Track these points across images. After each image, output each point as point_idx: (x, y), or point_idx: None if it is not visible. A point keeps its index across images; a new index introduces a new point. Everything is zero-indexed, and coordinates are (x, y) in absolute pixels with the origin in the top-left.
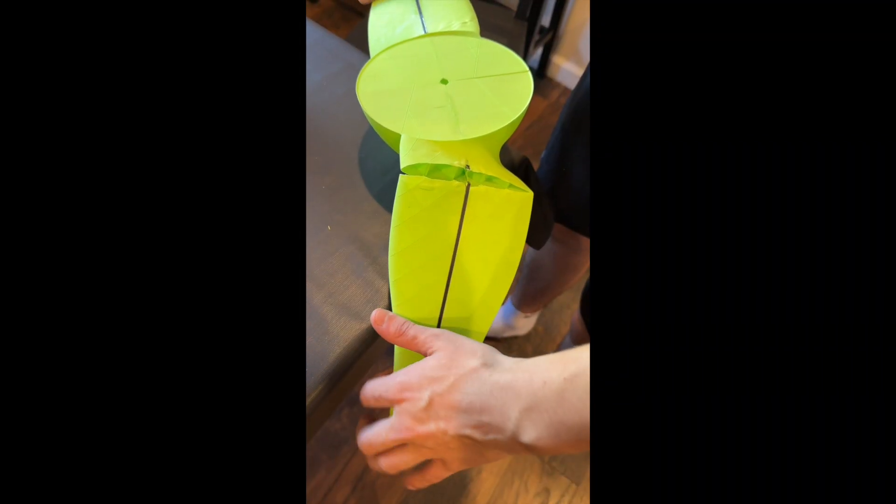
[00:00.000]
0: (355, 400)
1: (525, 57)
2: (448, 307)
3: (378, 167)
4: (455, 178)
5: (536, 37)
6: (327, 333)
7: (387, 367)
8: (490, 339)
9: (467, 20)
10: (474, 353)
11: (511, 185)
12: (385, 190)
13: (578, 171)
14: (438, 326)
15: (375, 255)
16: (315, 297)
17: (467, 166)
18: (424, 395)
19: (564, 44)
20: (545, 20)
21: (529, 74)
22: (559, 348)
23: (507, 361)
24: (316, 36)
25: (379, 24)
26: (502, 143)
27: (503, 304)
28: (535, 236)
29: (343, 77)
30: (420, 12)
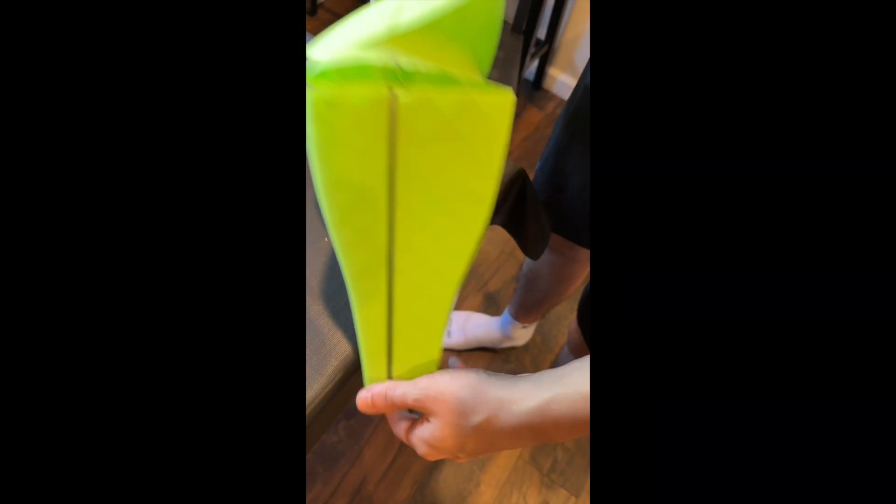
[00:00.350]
0: (352, 412)
1: (521, 69)
2: (399, 258)
3: None
4: (393, 77)
5: (532, 49)
6: (324, 346)
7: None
8: (488, 350)
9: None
10: (472, 410)
11: (478, 85)
12: None
13: (574, 181)
14: (390, 305)
15: None
16: (312, 310)
17: (397, 64)
18: (444, 453)
19: (560, 56)
20: (541, 33)
21: None
22: (557, 359)
23: (497, 402)
24: None
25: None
26: (483, 45)
27: (501, 314)
28: (533, 247)
29: None
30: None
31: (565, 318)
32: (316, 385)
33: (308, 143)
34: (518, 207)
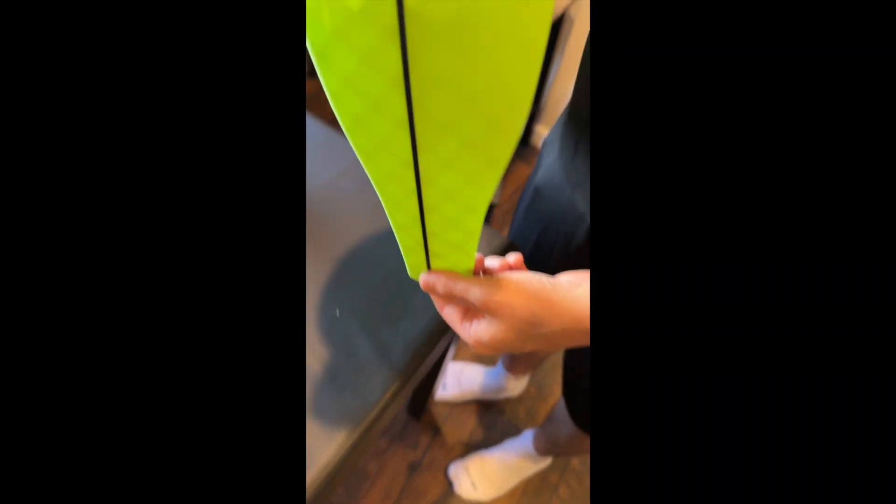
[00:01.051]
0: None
1: None
2: (424, 166)
3: (384, 262)
4: None
5: None
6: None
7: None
8: (483, 403)
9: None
10: (543, 323)
11: None
12: (392, 286)
13: (548, 238)
14: (420, 206)
15: (383, 343)
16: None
17: None
18: (496, 350)
19: (546, 114)
20: None
21: None
22: (552, 409)
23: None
24: (322, 136)
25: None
26: None
27: (494, 365)
28: None
29: (351, 174)
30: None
31: (559, 366)
32: (309, 475)
33: (307, 43)
34: None
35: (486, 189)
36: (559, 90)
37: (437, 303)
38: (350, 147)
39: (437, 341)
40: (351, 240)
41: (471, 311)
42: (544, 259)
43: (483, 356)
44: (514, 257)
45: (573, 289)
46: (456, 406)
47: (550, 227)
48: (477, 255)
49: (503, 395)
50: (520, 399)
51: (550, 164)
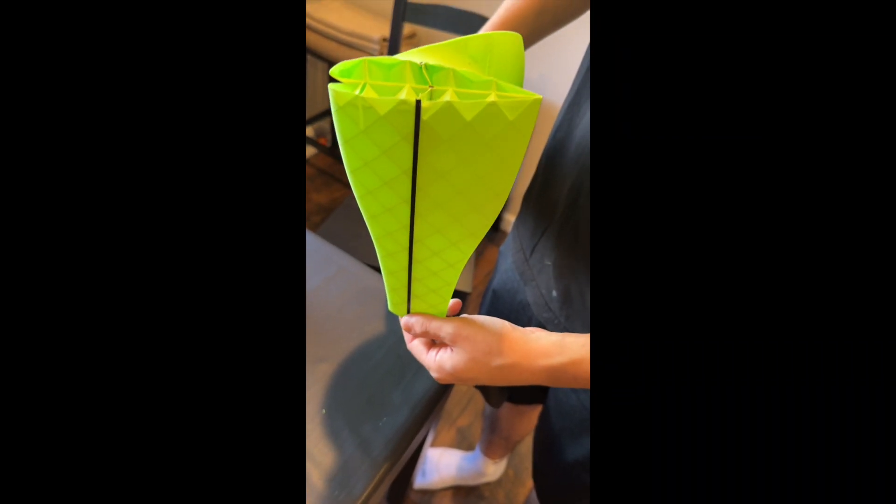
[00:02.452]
0: None
1: None
2: (418, 230)
3: (367, 362)
4: (415, 83)
5: None
6: None
7: None
8: (460, 489)
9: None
10: (498, 354)
11: (500, 89)
12: (374, 384)
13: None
14: (410, 249)
15: (366, 439)
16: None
17: (423, 64)
18: (456, 380)
19: (513, 204)
20: None
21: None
22: (529, 494)
23: (515, 354)
24: (311, 244)
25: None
26: (499, 74)
27: (472, 451)
28: (496, 398)
29: (338, 279)
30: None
31: None
32: None
33: (337, 133)
34: None
35: (465, 252)
36: (522, 185)
37: (408, 337)
38: (336, 255)
39: (414, 434)
40: (336, 342)
41: (436, 343)
42: None
43: (461, 441)
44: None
45: (528, 333)
46: (436, 493)
47: None
48: (452, 301)
49: (482, 480)
50: (499, 482)
51: (505, 270)
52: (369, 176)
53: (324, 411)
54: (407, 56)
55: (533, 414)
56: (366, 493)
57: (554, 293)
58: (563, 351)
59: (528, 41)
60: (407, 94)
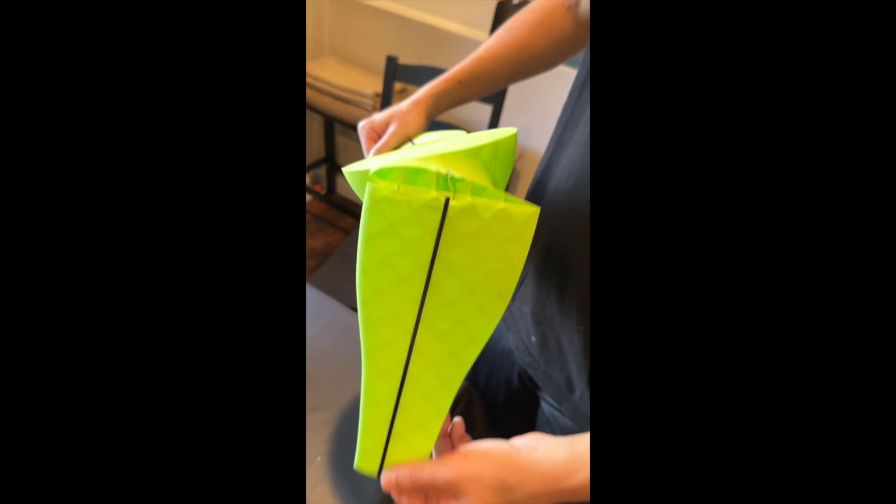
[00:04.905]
0: None
1: None
2: (421, 336)
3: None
4: (437, 189)
5: None
6: None
7: None
8: None
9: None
10: (512, 488)
11: (507, 199)
12: None
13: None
14: (407, 363)
15: (358, 483)
16: None
17: (448, 173)
18: None
19: None
20: None
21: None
22: None
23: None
24: (309, 295)
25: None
26: (502, 176)
27: None
28: (475, 436)
29: (332, 329)
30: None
31: None
32: None
33: (361, 230)
34: (468, 418)
35: (464, 364)
36: None
37: (397, 498)
38: (330, 305)
39: None
40: (330, 390)
41: (432, 497)
42: (493, 395)
43: None
44: (458, 419)
45: (533, 452)
46: None
47: (493, 372)
48: (456, 419)
49: None
50: None
51: None
52: (384, 273)
53: (319, 459)
54: (430, 163)
55: None
56: None
57: (533, 338)
58: (581, 467)
59: (513, 78)
60: (435, 193)
